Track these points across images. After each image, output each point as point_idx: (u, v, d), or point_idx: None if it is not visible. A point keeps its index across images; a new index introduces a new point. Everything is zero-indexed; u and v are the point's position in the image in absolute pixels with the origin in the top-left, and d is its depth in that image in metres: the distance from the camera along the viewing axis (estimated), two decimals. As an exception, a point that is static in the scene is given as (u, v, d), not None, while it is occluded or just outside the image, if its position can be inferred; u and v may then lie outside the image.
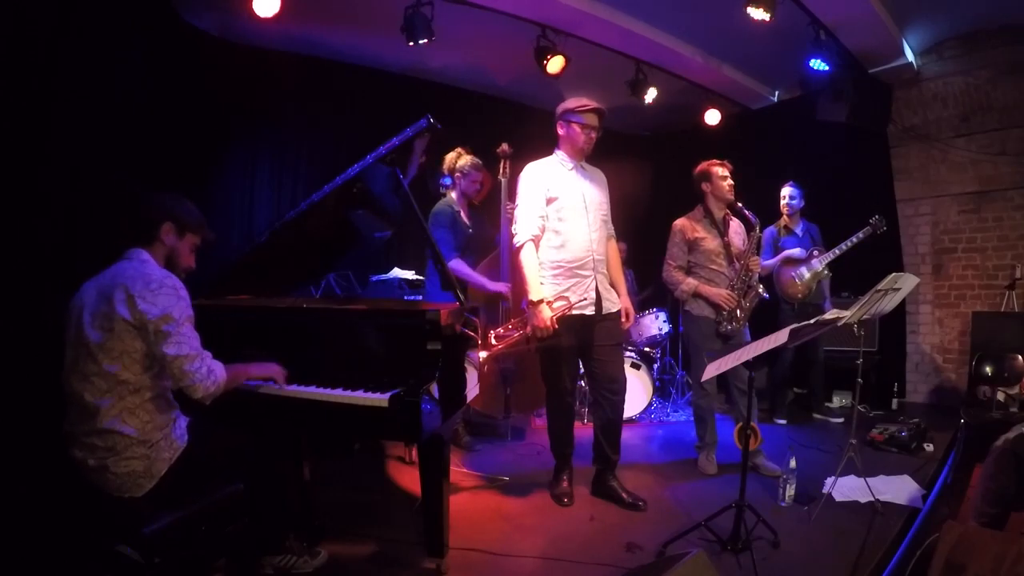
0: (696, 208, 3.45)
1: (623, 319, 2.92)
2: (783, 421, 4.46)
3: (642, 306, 5.02)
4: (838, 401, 4.92)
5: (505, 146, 3.58)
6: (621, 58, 4.69)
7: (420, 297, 3.94)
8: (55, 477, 1.78)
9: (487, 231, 3.80)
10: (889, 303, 2.78)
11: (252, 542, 2.01)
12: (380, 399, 1.90)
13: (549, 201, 2.80)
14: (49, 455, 1.82)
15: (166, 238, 1.85)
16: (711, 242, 3.34)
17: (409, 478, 3.16)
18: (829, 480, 2.83)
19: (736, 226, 3.44)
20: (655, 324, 4.75)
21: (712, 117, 5.47)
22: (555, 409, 2.97)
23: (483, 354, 2.66)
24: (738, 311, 3.26)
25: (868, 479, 2.80)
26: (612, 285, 2.94)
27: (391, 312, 2.31)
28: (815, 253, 4.31)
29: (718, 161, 3.39)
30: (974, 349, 4.11)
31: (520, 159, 3.03)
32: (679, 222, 3.44)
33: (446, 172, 3.66)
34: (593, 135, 2.82)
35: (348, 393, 1.96)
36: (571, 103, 2.81)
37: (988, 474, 2.18)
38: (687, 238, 3.36)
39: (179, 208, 1.89)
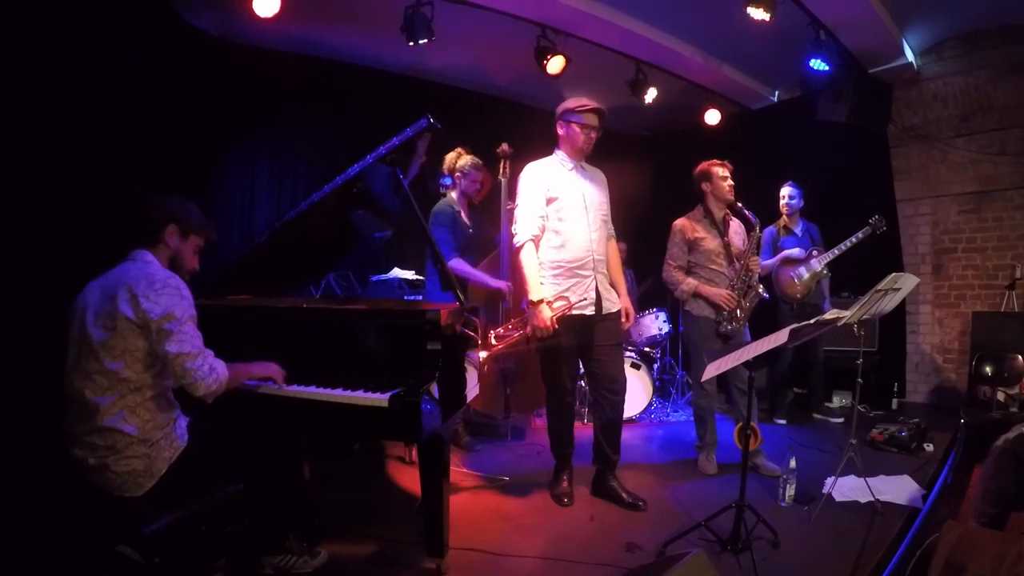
0: (696, 208, 3.45)
1: (623, 319, 2.92)
2: (783, 421, 4.46)
3: (642, 300, 5.00)
4: (838, 401, 4.92)
5: (505, 146, 3.58)
6: (621, 58, 4.69)
7: (420, 297, 3.94)
8: (55, 477, 1.78)
9: (487, 231, 3.80)
10: (889, 303, 2.78)
11: (252, 542, 2.01)
12: (380, 399, 1.90)
13: (549, 201, 2.80)
14: (49, 455, 1.82)
15: (170, 240, 1.87)
16: (711, 242, 3.34)
17: (409, 478, 3.16)
18: (829, 480, 2.83)
19: (736, 226, 3.45)
20: (655, 324, 4.75)
21: (712, 117, 5.47)
22: (555, 409, 2.97)
23: (483, 354, 2.66)
24: (738, 311, 3.26)
25: (868, 479, 2.80)
26: (612, 285, 2.94)
27: (391, 312, 2.31)
28: (814, 253, 4.30)
29: (718, 161, 3.39)
30: (974, 349, 4.11)
31: (520, 159, 3.03)
32: (679, 222, 3.44)
33: (446, 172, 3.66)
34: (593, 135, 2.82)
35: (348, 393, 1.96)
36: (571, 103, 2.81)
37: (988, 474, 2.18)
38: (687, 238, 3.37)
39: (183, 210, 1.90)
